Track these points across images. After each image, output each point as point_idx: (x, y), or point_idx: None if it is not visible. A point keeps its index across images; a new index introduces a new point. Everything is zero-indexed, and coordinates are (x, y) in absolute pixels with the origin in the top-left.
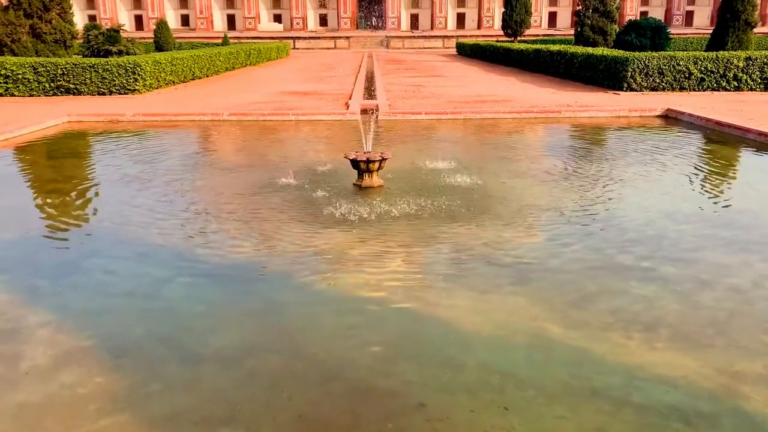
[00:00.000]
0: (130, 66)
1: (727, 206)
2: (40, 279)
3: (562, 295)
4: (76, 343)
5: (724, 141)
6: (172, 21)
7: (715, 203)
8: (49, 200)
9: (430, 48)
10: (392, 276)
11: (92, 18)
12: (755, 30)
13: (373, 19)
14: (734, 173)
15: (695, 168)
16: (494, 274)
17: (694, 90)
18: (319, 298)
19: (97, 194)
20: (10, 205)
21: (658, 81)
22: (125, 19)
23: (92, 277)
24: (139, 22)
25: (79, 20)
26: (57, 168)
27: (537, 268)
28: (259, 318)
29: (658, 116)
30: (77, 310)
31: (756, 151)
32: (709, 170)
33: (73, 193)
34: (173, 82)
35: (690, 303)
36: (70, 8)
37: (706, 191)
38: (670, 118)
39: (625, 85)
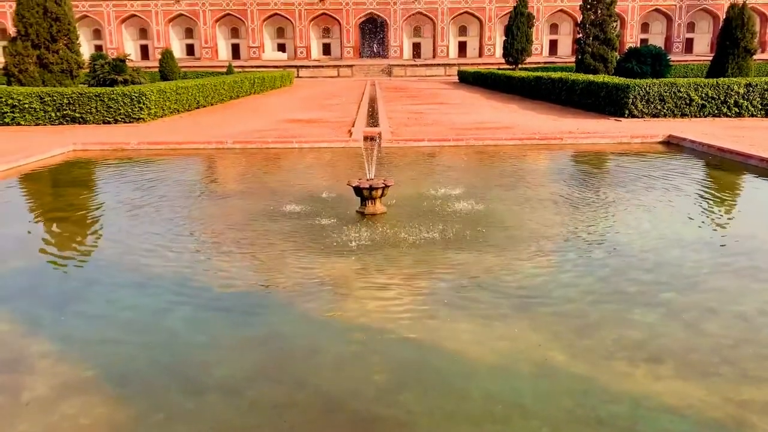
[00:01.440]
0: (136, 95)
1: (731, 233)
2: (41, 308)
3: (566, 323)
4: (78, 374)
5: (726, 167)
6: (177, 50)
7: (718, 230)
8: (52, 229)
9: (432, 76)
10: (395, 304)
11: (98, 48)
12: (755, 57)
13: (375, 47)
14: (737, 199)
15: (698, 194)
16: (498, 302)
17: (696, 116)
18: (322, 327)
19: (100, 223)
20: (14, 234)
21: (659, 108)
22: (131, 49)
23: (94, 307)
24: (144, 51)
25: (86, 50)
26: (61, 196)
27: (541, 296)
28: (262, 347)
29: (660, 143)
30: (79, 339)
31: (758, 177)
32: (712, 196)
33: (76, 222)
34: (178, 111)
35: (695, 331)
36: (77, 39)
37: (709, 218)
38: (672, 145)
39: (627, 111)
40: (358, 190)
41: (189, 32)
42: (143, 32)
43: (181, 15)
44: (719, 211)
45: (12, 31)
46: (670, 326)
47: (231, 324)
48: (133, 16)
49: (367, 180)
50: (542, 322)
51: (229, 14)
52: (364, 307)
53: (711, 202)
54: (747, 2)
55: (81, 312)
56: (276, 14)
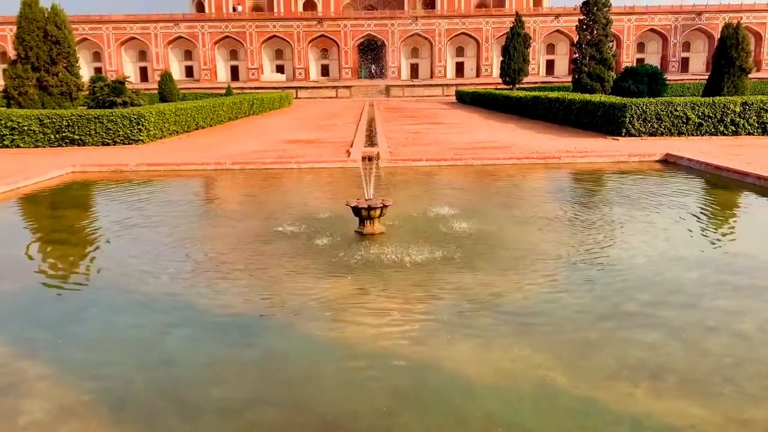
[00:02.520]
0: (135, 117)
1: (730, 251)
2: (39, 330)
3: (566, 343)
4: (76, 397)
5: (723, 185)
6: (177, 72)
7: (717, 248)
8: (50, 250)
9: (430, 96)
10: (395, 325)
11: (98, 70)
12: (750, 75)
13: (373, 68)
14: (735, 217)
15: (696, 212)
16: (498, 322)
17: (692, 135)
18: (321, 348)
19: (98, 245)
20: (12, 256)
21: (656, 126)
22: (130, 71)
23: (92, 329)
24: (143, 73)
25: (85, 72)
26: (59, 218)
27: (541, 316)
28: (260, 369)
29: (658, 161)
30: (77, 362)
31: (756, 195)
32: (710, 214)
33: (74, 244)
34: (177, 132)
35: (696, 350)
36: (77, 62)
37: (707, 236)
38: (670, 163)
39: (624, 130)
40: (356, 210)
41: (188, 54)
42: (142, 54)
43: (180, 37)
44: (718, 229)
45: (12, 54)
46: (671, 345)
47: (229, 346)
48: (133, 38)
49: (366, 200)
50: (542, 342)
51: (228, 36)
52: (363, 328)
53: (709, 220)
54: (741, 22)
55: (78, 334)
56: (275, 36)
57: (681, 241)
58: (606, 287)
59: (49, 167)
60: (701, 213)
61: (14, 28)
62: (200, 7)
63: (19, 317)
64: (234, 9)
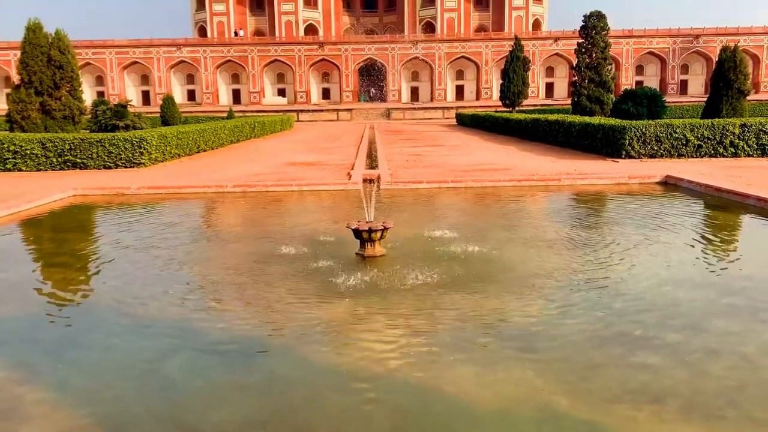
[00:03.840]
0: (137, 140)
1: (732, 272)
2: (38, 355)
3: (568, 366)
4: (74, 422)
5: (724, 207)
6: (179, 96)
7: (719, 270)
8: (50, 274)
9: (430, 119)
10: (396, 348)
11: (101, 94)
12: (749, 97)
13: (373, 90)
14: (737, 239)
15: (697, 234)
16: (499, 345)
17: (692, 156)
18: (321, 372)
19: (98, 268)
20: (12, 280)
21: (655, 148)
22: (133, 95)
23: (91, 353)
24: (146, 97)
25: (88, 96)
26: (60, 242)
27: (542, 338)
28: (260, 393)
29: (658, 183)
30: (75, 387)
31: (756, 217)
32: (711, 236)
33: (75, 267)
34: (179, 156)
35: (699, 373)
36: (80, 86)
37: (708, 258)
38: (670, 185)
39: (624, 152)
40: (357, 233)
41: (190, 78)
42: (145, 78)
43: (182, 62)
44: (719, 251)
45: (16, 78)
46: (674, 368)
47: (228, 370)
48: (135, 63)
49: (367, 222)
50: (545, 366)
51: (230, 60)
52: (364, 352)
53: (711, 242)
54: (738, 45)
55: (77, 358)
56: (276, 60)
57: (683, 262)
58: (608, 309)
59: (51, 191)
60: (703, 235)
61: (18, 53)
62: (202, 32)
63: (18, 341)
64: (236, 34)
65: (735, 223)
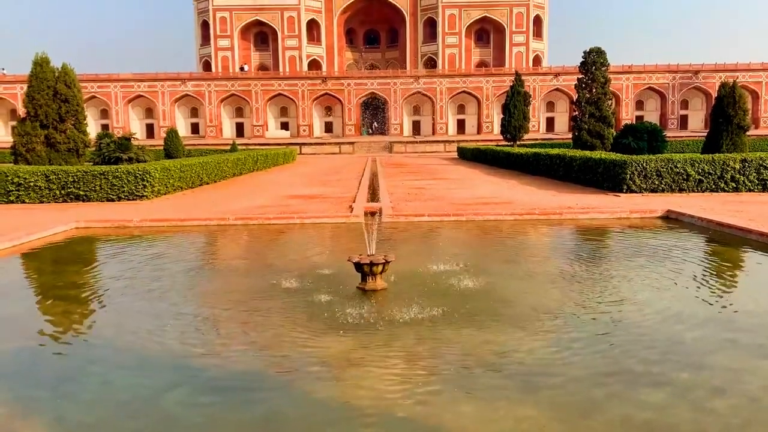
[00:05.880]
0: (140, 173)
1: (735, 309)
2: (36, 389)
3: (571, 403)
4: None
5: (726, 242)
6: (183, 129)
7: (722, 306)
8: (50, 308)
9: (432, 152)
10: (397, 384)
11: (105, 127)
12: (749, 133)
13: (375, 124)
14: (739, 274)
15: (699, 269)
16: (501, 382)
17: (693, 191)
18: (322, 408)
19: (98, 302)
20: (11, 313)
21: (657, 183)
22: (137, 128)
23: (90, 388)
24: (150, 130)
25: (93, 129)
26: (61, 274)
27: (545, 375)
28: (259, 429)
29: (659, 217)
30: (73, 422)
31: (759, 252)
32: (714, 272)
33: (75, 300)
34: (182, 188)
35: (703, 410)
36: (85, 119)
37: (712, 293)
38: (671, 219)
39: (625, 187)
40: (358, 266)
41: (194, 111)
42: (149, 112)
43: (186, 95)
44: (722, 286)
45: (22, 111)
46: (677, 405)
47: (228, 406)
48: (140, 96)
49: (368, 255)
50: (547, 402)
51: (234, 95)
52: (365, 388)
53: (713, 277)
54: (737, 81)
55: (76, 393)
56: (280, 94)
57: (686, 298)
58: (610, 345)
59: (53, 223)
60: (705, 270)
61: (25, 86)
62: (207, 66)
63: (16, 376)
64: (242, 69)
65: (738, 258)
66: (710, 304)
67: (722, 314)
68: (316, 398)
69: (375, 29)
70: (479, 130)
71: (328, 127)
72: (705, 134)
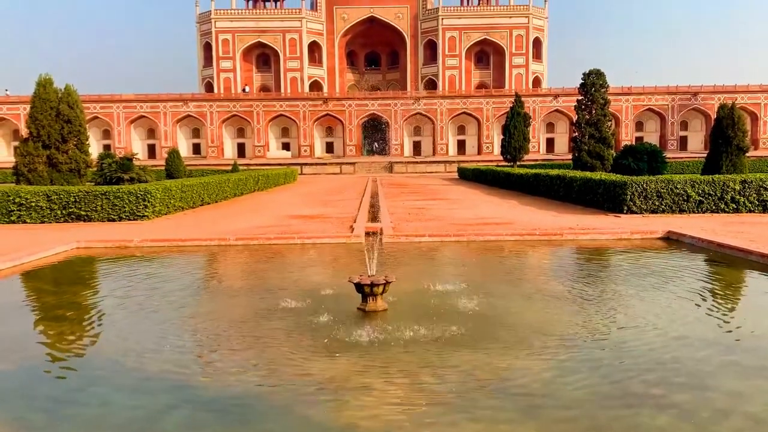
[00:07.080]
0: (141, 193)
1: (737, 330)
2: (34, 411)
3: (573, 426)
4: None
5: (727, 263)
6: (184, 149)
7: (724, 327)
8: (49, 328)
9: (432, 172)
10: (397, 405)
11: (107, 147)
12: (749, 154)
13: (376, 145)
14: (741, 296)
15: (701, 291)
16: (502, 405)
17: (693, 212)
18: (321, 430)
19: (98, 322)
20: (10, 333)
21: (657, 204)
22: (138, 148)
23: (88, 409)
24: (152, 150)
25: (95, 149)
26: (61, 294)
27: (546, 398)
28: None
29: (660, 238)
30: None
31: (760, 273)
32: (715, 293)
33: (74, 321)
34: (183, 208)
35: None
36: (87, 139)
37: (713, 315)
38: (672, 240)
39: (625, 207)
40: (359, 287)
41: (196, 132)
42: (151, 132)
43: (188, 116)
44: (724, 308)
45: (24, 131)
46: (681, 428)
47: (227, 426)
48: (142, 117)
49: (369, 276)
50: (549, 425)
51: (235, 115)
52: (364, 410)
53: (715, 298)
54: (736, 102)
55: (74, 414)
56: (281, 115)
57: (687, 319)
58: (613, 367)
59: (54, 243)
60: (706, 291)
61: (28, 107)
62: (209, 87)
63: (14, 397)
64: (244, 90)
65: (739, 279)
66: (713, 325)
67: (725, 336)
68: (314, 420)
69: (376, 51)
70: (479, 151)
71: (329, 148)
72: (705, 155)
